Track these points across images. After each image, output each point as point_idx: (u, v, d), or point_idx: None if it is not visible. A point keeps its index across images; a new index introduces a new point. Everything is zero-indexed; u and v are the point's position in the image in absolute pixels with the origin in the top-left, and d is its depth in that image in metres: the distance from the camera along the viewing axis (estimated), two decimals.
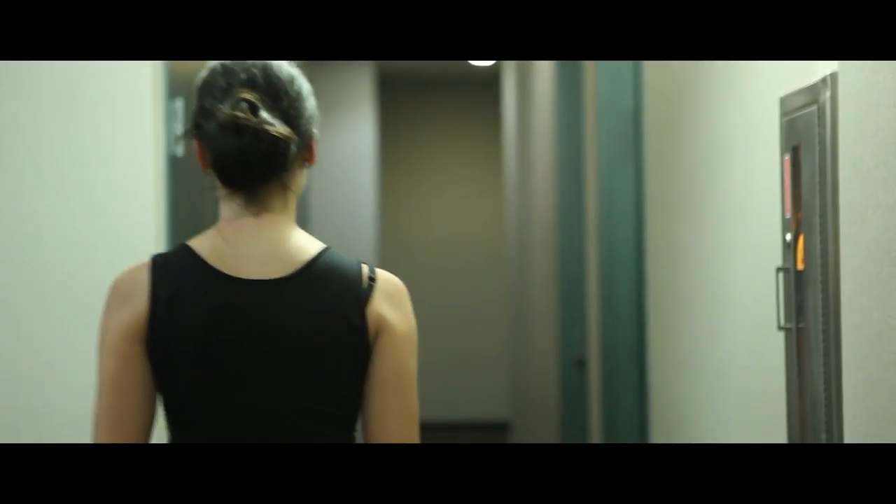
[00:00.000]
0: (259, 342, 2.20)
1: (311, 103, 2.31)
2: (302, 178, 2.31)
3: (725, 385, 3.43)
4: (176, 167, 3.57)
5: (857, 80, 2.31)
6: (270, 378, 2.20)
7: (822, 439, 2.53)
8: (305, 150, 2.30)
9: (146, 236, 3.37)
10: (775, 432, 2.91)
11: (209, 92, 2.26)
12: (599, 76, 5.00)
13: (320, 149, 11.33)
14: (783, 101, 2.78)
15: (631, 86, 4.86)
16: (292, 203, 2.28)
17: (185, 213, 3.75)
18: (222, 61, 2.30)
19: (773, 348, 2.92)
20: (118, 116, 3.38)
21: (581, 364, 6.07)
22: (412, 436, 2.27)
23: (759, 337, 3.08)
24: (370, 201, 10.61)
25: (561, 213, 6.34)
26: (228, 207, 2.25)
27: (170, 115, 3.52)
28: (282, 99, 2.25)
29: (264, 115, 2.20)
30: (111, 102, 3.38)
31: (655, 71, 4.37)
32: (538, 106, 7.57)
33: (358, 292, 2.21)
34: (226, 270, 2.21)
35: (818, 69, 2.60)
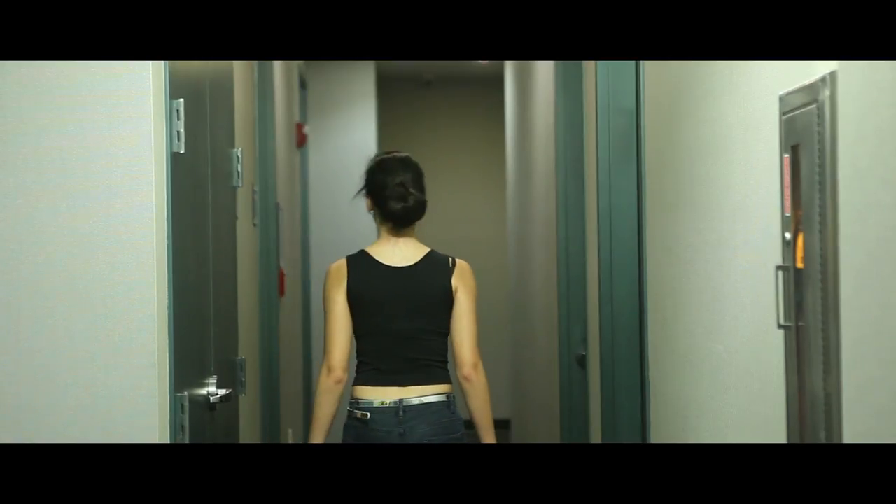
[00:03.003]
0: (402, 296, 4.63)
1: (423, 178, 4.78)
2: None
3: (725, 383, 3.43)
4: (177, 166, 3.57)
5: (856, 80, 2.31)
6: (408, 314, 4.62)
7: (822, 438, 2.54)
8: None
9: (148, 235, 3.37)
10: (775, 431, 2.91)
11: (379, 171, 4.75)
12: (599, 76, 5.01)
13: (322, 147, 11.26)
14: (782, 99, 2.79)
15: (631, 86, 4.86)
16: (414, 230, 4.70)
17: (187, 212, 3.76)
18: (383, 155, 4.88)
19: (773, 347, 2.92)
20: (120, 116, 3.38)
21: (581, 362, 6.07)
22: (474, 343, 4.66)
23: (758, 335, 3.08)
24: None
25: (561, 212, 6.34)
26: (384, 231, 4.71)
27: (172, 115, 3.53)
28: (418, 177, 4.73)
29: (413, 189, 4.68)
30: (113, 102, 3.38)
31: (655, 71, 4.37)
32: (539, 105, 7.57)
33: (447, 270, 4.66)
34: (385, 262, 4.67)
35: (818, 68, 2.61)
